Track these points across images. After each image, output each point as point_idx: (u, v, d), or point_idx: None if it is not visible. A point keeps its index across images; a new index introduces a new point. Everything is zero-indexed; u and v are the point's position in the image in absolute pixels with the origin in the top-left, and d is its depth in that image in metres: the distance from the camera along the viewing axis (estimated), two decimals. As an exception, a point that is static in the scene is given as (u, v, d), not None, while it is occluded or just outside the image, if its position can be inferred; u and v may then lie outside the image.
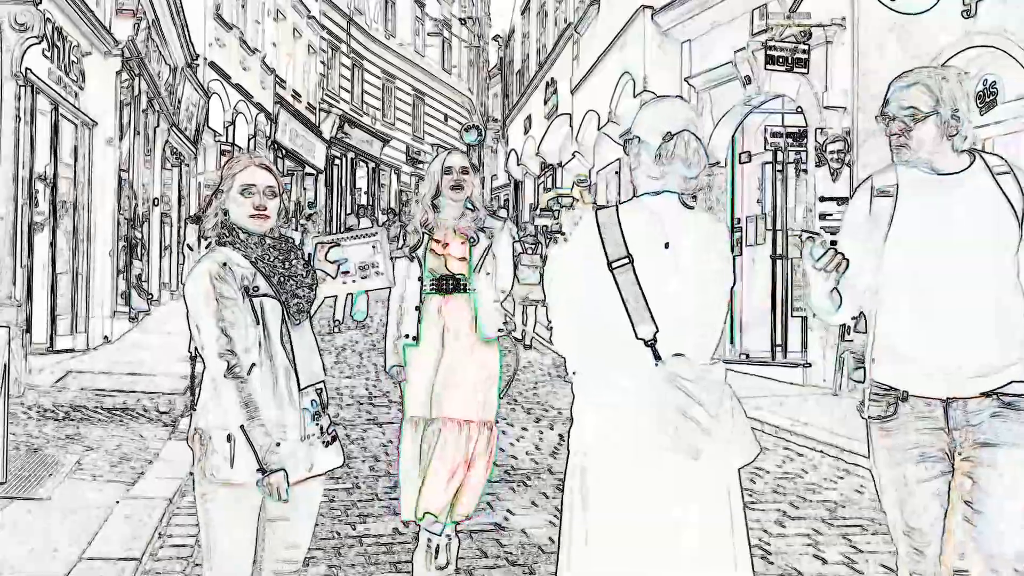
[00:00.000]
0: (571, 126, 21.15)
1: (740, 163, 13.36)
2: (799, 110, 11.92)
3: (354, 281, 4.19)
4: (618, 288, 3.49)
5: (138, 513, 6.19)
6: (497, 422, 5.51)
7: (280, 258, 3.86)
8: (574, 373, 3.70)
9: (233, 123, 24.07)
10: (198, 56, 20.98)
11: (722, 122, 13.38)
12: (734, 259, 3.76)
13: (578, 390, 3.68)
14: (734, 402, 3.59)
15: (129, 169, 15.31)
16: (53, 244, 12.52)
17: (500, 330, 5.47)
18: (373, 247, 4.24)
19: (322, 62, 31.92)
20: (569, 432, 3.70)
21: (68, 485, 6.77)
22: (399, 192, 38.11)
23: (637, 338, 3.48)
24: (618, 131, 17.14)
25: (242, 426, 3.65)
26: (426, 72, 39.93)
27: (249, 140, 24.93)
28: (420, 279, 5.38)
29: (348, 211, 33.48)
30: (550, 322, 3.88)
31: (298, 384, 3.81)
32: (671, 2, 14.28)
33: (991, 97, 9.51)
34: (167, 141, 18.80)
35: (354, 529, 6.13)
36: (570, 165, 21.70)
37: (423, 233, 5.38)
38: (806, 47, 11.29)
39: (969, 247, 3.67)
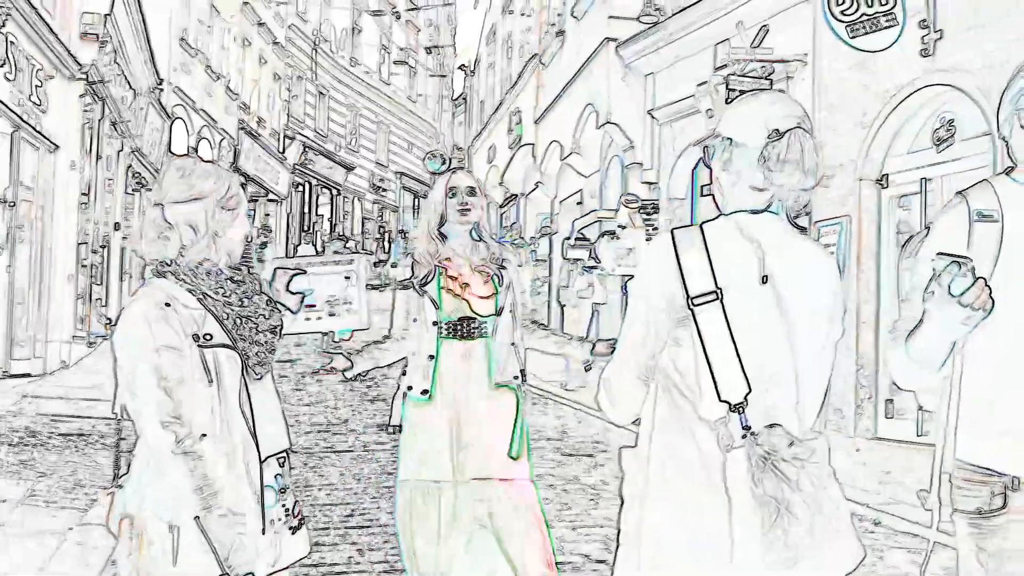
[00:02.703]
0: (534, 156, 21.23)
1: (701, 196, 13.46)
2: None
3: (319, 319, 3.54)
4: (698, 331, 2.71)
5: (92, 540, 6.14)
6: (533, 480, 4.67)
7: (237, 294, 3.05)
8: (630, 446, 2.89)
9: (196, 149, 24.02)
10: (163, 81, 20.93)
11: (684, 155, 13.49)
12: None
13: (635, 469, 2.87)
14: (836, 488, 2.76)
15: (90, 193, 15.23)
16: (11, 268, 12.43)
17: (516, 377, 4.68)
18: (347, 278, 3.62)
19: (287, 89, 31.91)
20: (618, 526, 2.91)
21: (21, 511, 6.71)
22: (362, 220, 38.08)
23: (720, 400, 2.69)
24: (581, 162, 17.23)
25: (196, 517, 2.86)
26: (391, 100, 40.00)
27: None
28: (435, 323, 4.61)
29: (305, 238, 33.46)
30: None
31: (259, 455, 3.03)
32: (635, 35, 14.39)
33: (949, 135, 9.61)
34: (130, 166, 18.73)
35: (308, 558, 6.11)
36: (533, 195, 21.78)
37: (434, 265, 4.64)
38: (768, 82, 11.40)
39: None
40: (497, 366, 4.64)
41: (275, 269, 3.46)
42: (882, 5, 9.28)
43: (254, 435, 3.02)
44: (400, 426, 4.65)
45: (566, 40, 19.00)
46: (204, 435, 2.91)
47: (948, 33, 9.18)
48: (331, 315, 3.60)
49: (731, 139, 2.84)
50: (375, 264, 24.81)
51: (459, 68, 40.75)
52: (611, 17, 15.11)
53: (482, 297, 4.65)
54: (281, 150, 30.97)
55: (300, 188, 33.04)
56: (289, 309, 3.40)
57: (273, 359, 3.13)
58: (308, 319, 3.53)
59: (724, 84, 11.49)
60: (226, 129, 26.09)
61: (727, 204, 2.86)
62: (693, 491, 2.73)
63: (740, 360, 2.69)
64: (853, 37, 9.35)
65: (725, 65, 11.87)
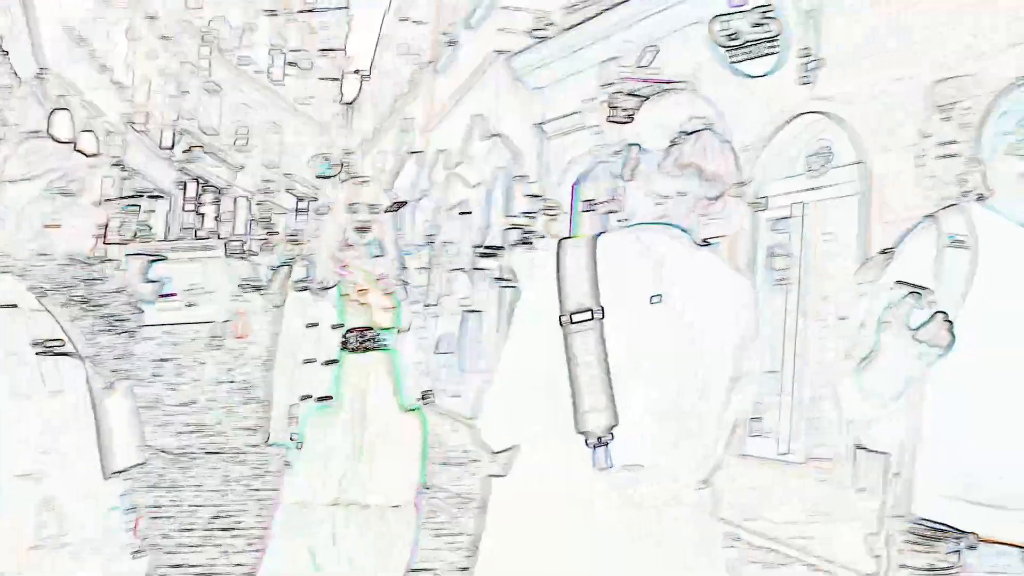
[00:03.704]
0: (423, 164, 21.21)
1: (582, 211, 13.56)
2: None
3: (177, 309, 2.97)
4: (567, 355, 2.40)
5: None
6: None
7: (88, 293, 2.69)
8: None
9: (79, 140, 23.57)
10: (46, 70, 20.50)
11: (569, 170, 13.61)
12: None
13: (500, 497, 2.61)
14: (717, 552, 2.45)
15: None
16: None
17: (419, 398, 4.51)
18: (208, 266, 3.09)
19: (176, 84, 31.46)
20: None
21: None
22: (248, 220, 37.67)
23: (579, 431, 2.39)
24: (469, 172, 17.26)
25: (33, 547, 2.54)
26: (283, 101, 39.62)
27: (96, 159, 24.41)
28: (336, 326, 4.42)
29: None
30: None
31: (104, 471, 2.72)
32: (526, 49, 14.49)
33: (826, 161, 9.84)
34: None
35: (170, 558, 6.05)
36: (422, 203, 21.77)
37: (337, 274, 4.50)
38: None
39: None
40: (403, 387, 4.42)
41: (128, 256, 3.14)
42: (766, 32, 9.48)
43: (102, 451, 2.72)
44: (279, 443, 4.40)
45: (459, 50, 19.02)
46: (43, 453, 2.55)
47: (829, 63, 9.40)
48: (190, 306, 3.16)
49: (638, 145, 2.62)
50: (272, 269, 24.56)
51: (352, 72, 40.58)
52: (503, 30, 15.19)
53: (381, 308, 4.48)
54: (167, 147, 30.51)
55: (184, 186, 32.57)
56: (145, 300, 3.03)
57: (128, 364, 2.79)
58: (165, 310, 3.06)
59: (609, 102, 11.62)
60: (111, 122, 25.65)
61: (632, 215, 2.63)
62: (559, 521, 2.48)
63: (611, 389, 2.38)
64: (736, 62, 9.53)
65: (612, 83, 12.01)
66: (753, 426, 10.09)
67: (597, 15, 12.86)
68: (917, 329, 2.48)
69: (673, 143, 2.56)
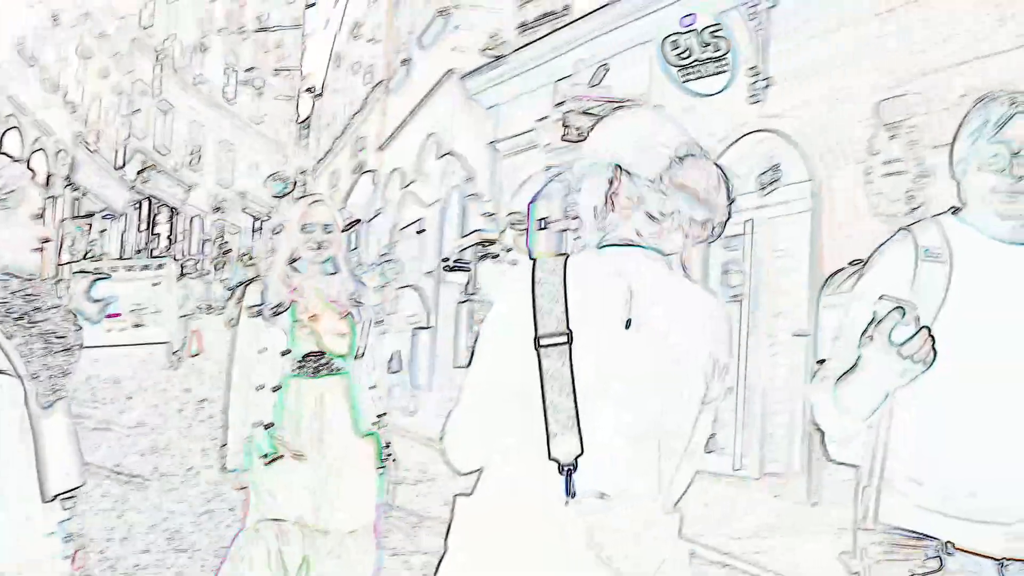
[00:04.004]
0: (377, 183, 21.24)
1: (538, 229, 13.63)
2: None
3: (123, 330, 2.77)
4: (540, 378, 2.35)
5: None
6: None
7: (26, 309, 2.56)
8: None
9: (30, 159, 23.42)
10: (-4, 90, 20.40)
11: (523, 189, 13.67)
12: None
13: (465, 516, 2.53)
14: (686, 574, 2.44)
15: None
16: None
17: (374, 422, 4.44)
18: (156, 285, 2.87)
19: (129, 103, 31.32)
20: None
21: None
22: (202, 240, 37.51)
23: (550, 457, 2.34)
24: (423, 190, 17.30)
25: None
26: (236, 120, 39.54)
27: (48, 178, 24.27)
28: (285, 352, 4.28)
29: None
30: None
31: (43, 495, 2.59)
32: (479, 68, 14.55)
33: (775, 179, 9.94)
34: (-43, 175, 18.17)
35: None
36: (376, 222, 21.78)
37: (289, 298, 4.32)
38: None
39: None
40: (358, 412, 4.36)
41: (74, 273, 2.70)
42: (715, 51, 9.58)
43: (40, 473, 2.58)
44: (235, 470, 4.31)
45: (412, 68, 19.08)
46: None
47: (777, 81, 9.51)
48: (137, 326, 2.98)
49: (618, 165, 2.48)
50: (229, 289, 24.42)
51: (306, 91, 40.55)
52: (455, 49, 15.25)
53: (333, 333, 4.34)
54: (120, 166, 30.36)
55: (138, 205, 32.41)
56: (89, 319, 2.90)
57: (68, 383, 2.69)
58: (111, 330, 2.86)
59: (562, 121, 11.70)
60: (63, 141, 25.51)
61: (602, 235, 2.52)
62: (528, 543, 2.39)
63: (577, 415, 2.32)
64: (686, 81, 9.62)
65: (565, 102, 12.09)
66: (708, 442, 10.16)
67: (549, 34, 12.94)
68: (902, 344, 2.44)
69: (670, 164, 2.47)
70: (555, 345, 2.33)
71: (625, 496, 2.35)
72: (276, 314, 4.30)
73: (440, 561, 2.55)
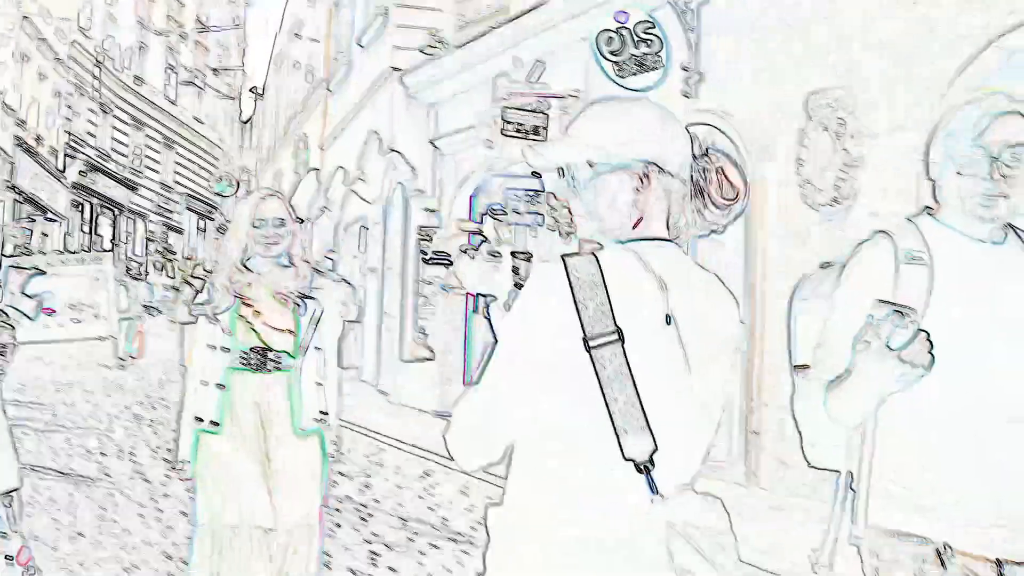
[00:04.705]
0: (320, 181, 21.31)
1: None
2: (535, 175, 12.40)
3: (61, 326, 2.69)
4: (598, 380, 2.26)
5: None
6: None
7: None
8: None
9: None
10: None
11: (464, 185, 13.84)
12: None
13: (502, 527, 2.40)
14: (736, 554, 2.34)
15: None
16: None
17: (317, 419, 4.34)
18: (96, 279, 2.83)
19: (68, 106, 31.15)
20: None
21: None
22: (146, 241, 37.37)
23: (625, 458, 2.26)
24: (366, 188, 17.39)
25: None
26: (177, 120, 39.40)
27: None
28: (226, 350, 4.25)
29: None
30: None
31: None
32: (418, 66, 14.67)
33: (710, 171, 10.14)
34: None
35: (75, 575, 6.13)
36: (320, 220, 21.85)
37: (234, 295, 4.28)
38: (543, 116, 11.81)
39: None
40: (302, 408, 4.29)
41: (8, 268, 2.85)
42: (648, 47, 9.77)
43: None
44: (186, 461, 4.27)
45: (352, 67, 19.16)
46: None
47: (708, 77, 9.71)
48: (76, 322, 2.94)
49: (651, 161, 2.43)
50: (172, 289, 24.25)
51: (249, 91, 40.47)
52: (395, 47, 15.36)
53: (277, 328, 4.28)
54: (60, 168, 30.20)
55: (80, 207, 32.24)
56: (25, 315, 2.83)
57: (3, 384, 2.58)
58: (48, 327, 2.72)
59: (501, 116, 11.85)
60: (1, 146, 25.35)
61: (616, 231, 2.47)
62: (587, 561, 2.31)
63: (645, 413, 2.27)
64: (621, 76, 9.79)
65: (504, 98, 12.24)
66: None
67: (487, 32, 13.09)
68: (901, 349, 2.41)
69: (696, 165, 2.43)
70: (607, 344, 2.27)
71: (698, 488, 2.34)
72: (218, 313, 4.26)
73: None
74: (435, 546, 7.04)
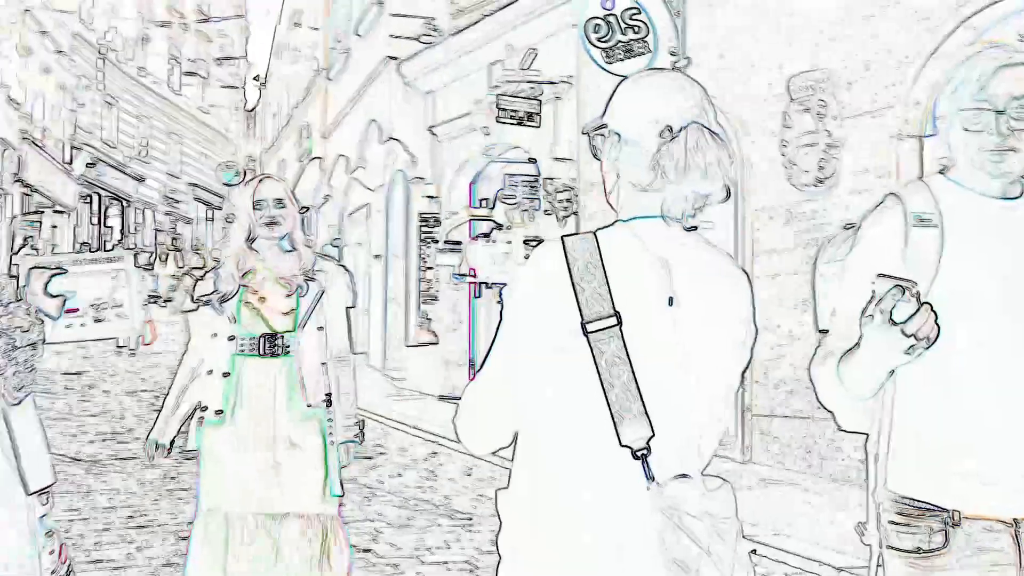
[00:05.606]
0: (323, 169, 21.49)
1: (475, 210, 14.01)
2: (532, 160, 12.62)
3: (83, 325, 3.03)
4: (595, 364, 2.21)
5: None
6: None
7: None
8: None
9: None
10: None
11: (462, 171, 14.06)
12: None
13: (511, 511, 2.37)
14: (744, 545, 2.29)
15: None
16: None
17: (323, 400, 4.30)
18: (114, 278, 3.16)
19: (73, 98, 31.31)
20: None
21: None
22: (155, 231, 37.54)
23: (621, 445, 2.21)
24: (367, 176, 17.59)
25: None
26: (182, 111, 39.54)
27: (-5, 177, 24.37)
28: (231, 338, 4.27)
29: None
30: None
31: (25, 489, 2.57)
32: (415, 54, 14.84)
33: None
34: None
35: (88, 556, 6.34)
36: (324, 208, 22.02)
37: (239, 283, 4.29)
38: (537, 102, 12.00)
39: None
40: (302, 390, 4.28)
41: (31, 269, 2.88)
42: (635, 33, 9.94)
43: (19, 468, 2.58)
44: (194, 450, 4.26)
45: (351, 56, 19.32)
46: None
47: (696, 61, 9.89)
48: (98, 321, 3.11)
49: (618, 133, 2.35)
50: (177, 279, 24.45)
51: (252, 79, 40.59)
52: (392, 36, 15.51)
53: (282, 312, 4.28)
54: (68, 161, 30.39)
55: (88, 200, 32.45)
56: (48, 315, 2.83)
57: (34, 379, 2.67)
58: (70, 326, 3.02)
59: (496, 103, 12.05)
60: (8, 140, 25.54)
61: (620, 208, 2.37)
62: (583, 549, 2.27)
63: (642, 398, 2.21)
64: (609, 63, 9.96)
65: (498, 85, 12.43)
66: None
67: (479, 20, 13.26)
68: (904, 322, 2.34)
69: (662, 140, 2.29)
70: (605, 328, 2.21)
71: (700, 476, 2.28)
72: (224, 301, 4.28)
73: (497, 569, 2.41)
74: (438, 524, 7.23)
